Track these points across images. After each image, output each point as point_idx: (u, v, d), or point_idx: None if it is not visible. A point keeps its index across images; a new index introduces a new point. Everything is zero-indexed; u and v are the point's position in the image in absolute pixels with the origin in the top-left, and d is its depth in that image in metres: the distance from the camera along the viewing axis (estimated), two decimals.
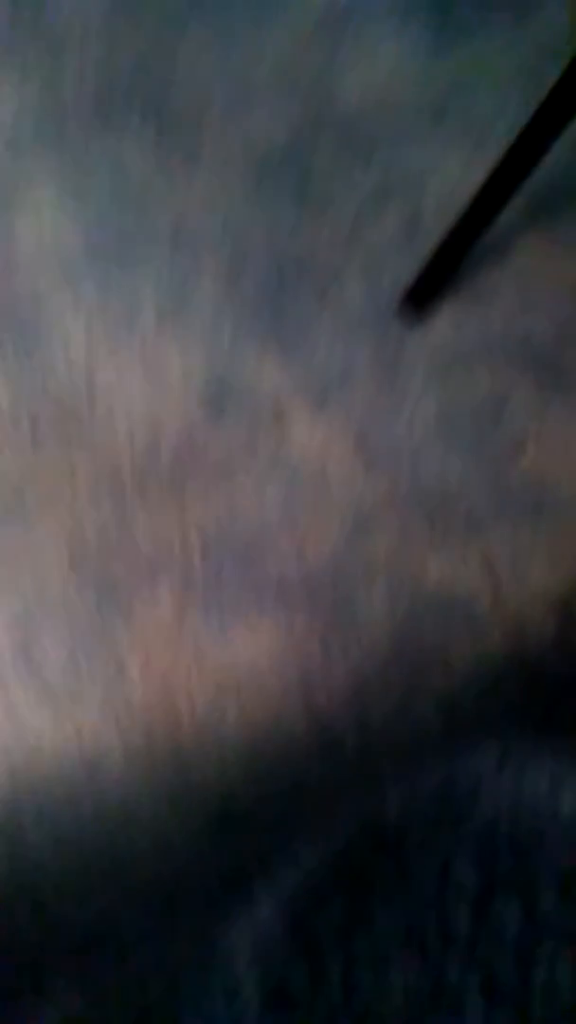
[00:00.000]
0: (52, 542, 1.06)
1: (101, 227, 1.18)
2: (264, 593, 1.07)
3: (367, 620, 1.06)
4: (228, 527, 1.09)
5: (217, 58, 1.29)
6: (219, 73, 1.28)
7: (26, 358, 1.13)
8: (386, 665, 1.05)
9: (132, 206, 1.19)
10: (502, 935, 0.41)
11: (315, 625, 1.06)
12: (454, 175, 1.26)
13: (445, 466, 1.12)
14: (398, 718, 1.04)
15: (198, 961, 0.49)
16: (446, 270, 1.17)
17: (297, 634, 1.06)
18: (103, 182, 1.19)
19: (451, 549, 1.09)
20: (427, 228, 1.23)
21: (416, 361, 1.16)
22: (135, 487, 1.10)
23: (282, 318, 1.17)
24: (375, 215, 1.23)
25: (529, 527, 1.09)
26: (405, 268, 1.20)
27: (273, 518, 1.10)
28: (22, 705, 1.02)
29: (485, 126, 1.28)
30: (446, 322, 1.17)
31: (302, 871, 0.54)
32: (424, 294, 1.18)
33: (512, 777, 0.53)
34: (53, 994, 0.59)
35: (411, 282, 1.18)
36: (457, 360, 1.16)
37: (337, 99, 1.29)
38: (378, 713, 1.04)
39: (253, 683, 1.05)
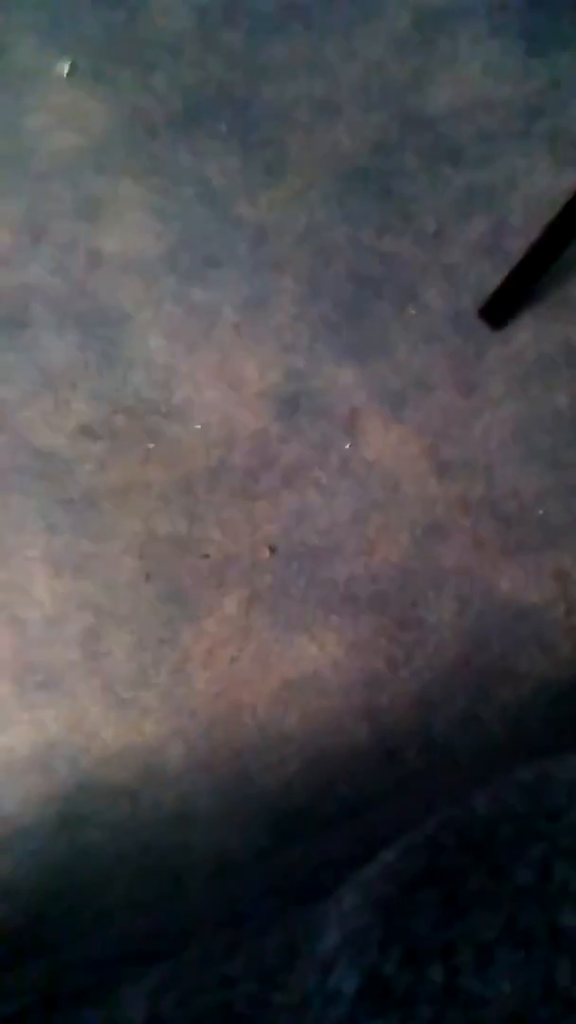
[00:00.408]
0: (125, 553, 1.21)
1: (184, 241, 1.33)
2: (331, 596, 1.25)
3: (434, 627, 1.23)
4: (297, 531, 1.28)
5: (307, 64, 1.52)
6: (308, 81, 1.50)
7: (108, 370, 1.28)
8: (452, 673, 1.21)
9: (215, 219, 1.34)
10: None
11: (381, 630, 1.23)
12: (543, 181, 1.44)
13: (521, 476, 1.28)
14: (462, 727, 1.19)
15: (285, 945, 0.55)
16: (530, 279, 1.33)
17: (362, 638, 1.24)
18: (187, 197, 1.35)
19: (524, 559, 1.25)
20: (513, 233, 1.40)
21: (495, 369, 1.33)
22: (207, 495, 1.29)
23: (360, 324, 1.37)
24: (460, 220, 1.41)
25: None
26: (488, 274, 1.38)
27: (342, 523, 1.28)
28: (91, 712, 1.15)
29: None
30: (528, 331, 1.34)
31: (383, 864, 0.60)
32: (506, 302, 1.35)
33: None
34: (121, 1004, 0.71)
35: (494, 290, 1.35)
36: (537, 370, 1.32)
37: (427, 102, 1.49)
38: (442, 721, 1.19)
39: (316, 687, 1.23)
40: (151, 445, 1.25)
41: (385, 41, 1.46)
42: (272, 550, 1.20)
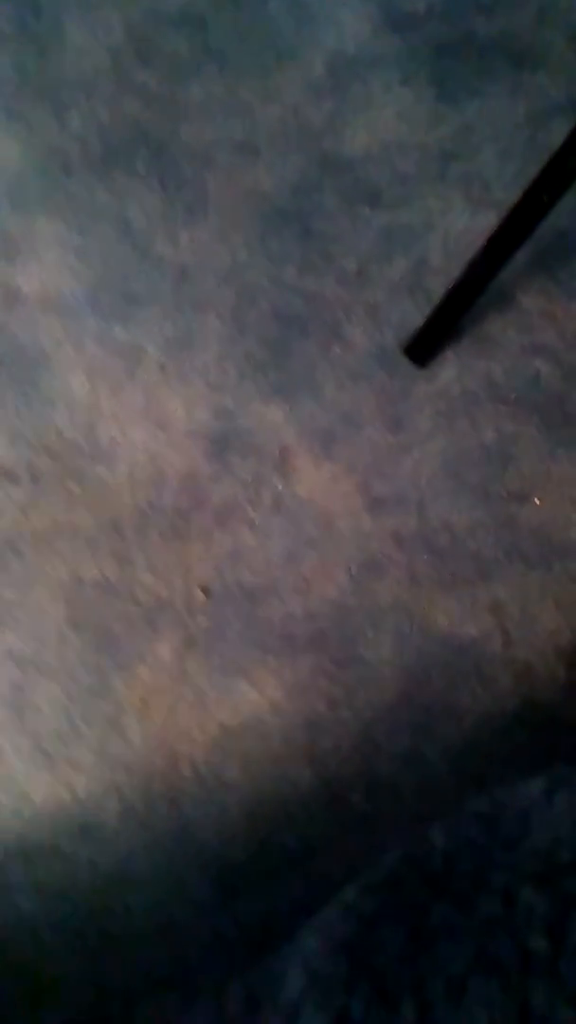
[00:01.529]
0: (50, 600, 1.19)
1: (104, 280, 1.34)
2: (268, 638, 1.25)
3: (374, 664, 1.23)
4: (231, 572, 1.28)
5: (224, 105, 1.55)
6: (226, 122, 1.53)
7: (27, 411, 1.26)
8: (394, 710, 1.22)
9: (135, 258, 1.35)
10: None
11: (320, 670, 1.23)
12: (459, 222, 1.50)
13: (452, 510, 1.31)
14: (406, 766, 1.20)
15: (244, 997, 0.55)
16: (451, 317, 1.38)
17: (301, 679, 1.23)
18: (107, 235, 1.36)
19: (460, 593, 1.28)
20: (433, 272, 1.45)
21: (422, 406, 1.37)
22: (136, 537, 1.28)
23: (287, 363, 1.39)
24: (381, 260, 1.45)
25: (538, 572, 1.28)
26: (411, 313, 1.42)
27: (277, 563, 1.28)
28: (17, 768, 1.12)
29: (488, 175, 1.53)
30: (452, 367, 1.39)
31: (342, 904, 0.60)
32: (429, 340, 1.39)
33: (566, 804, 0.59)
34: None
35: (417, 328, 1.39)
36: (463, 405, 1.37)
37: (344, 145, 1.54)
38: (385, 760, 1.19)
39: (256, 732, 1.21)
40: (76, 488, 1.23)
41: (301, 85, 1.51)
42: (206, 592, 1.19)
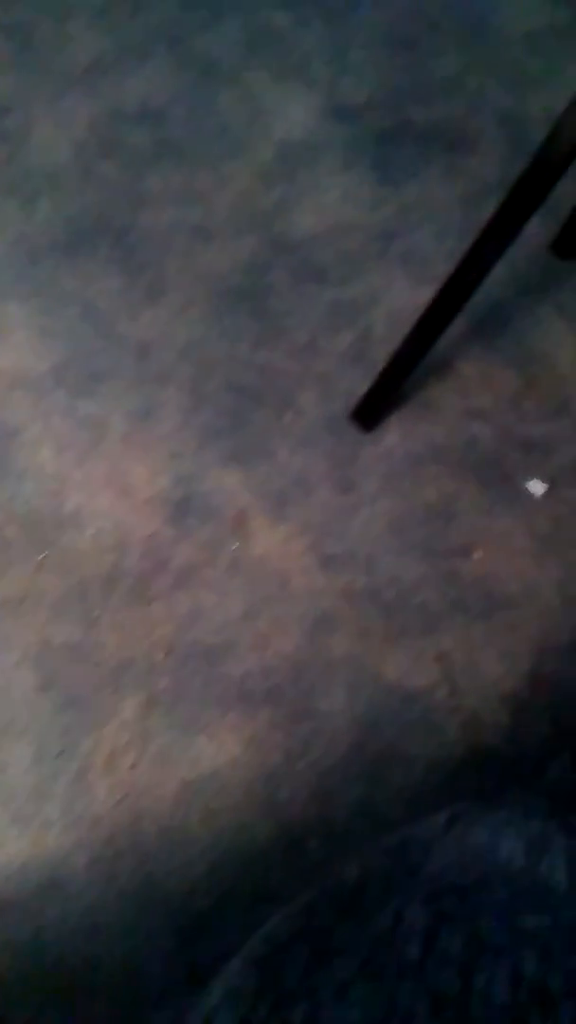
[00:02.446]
0: (20, 665, 1.26)
1: (70, 358, 1.44)
2: (227, 694, 1.32)
3: (328, 716, 1.30)
4: (191, 631, 1.35)
5: (181, 193, 1.68)
6: (183, 208, 1.66)
7: None
8: (347, 760, 1.29)
9: (99, 338, 1.46)
10: (447, 957, 0.53)
11: (277, 723, 1.30)
12: (401, 296, 1.62)
13: (399, 566, 1.40)
14: (360, 814, 1.26)
15: (174, 1010, 0.70)
16: (394, 384, 1.49)
17: (259, 733, 1.30)
18: (72, 318, 1.47)
19: (407, 645, 1.36)
20: (377, 343, 1.57)
21: (369, 468, 1.47)
22: (101, 601, 1.36)
23: (242, 431, 1.49)
24: (328, 334, 1.57)
25: (481, 622, 1.36)
26: (357, 381, 1.53)
27: (235, 619, 1.36)
28: None
29: (427, 252, 1.66)
30: (396, 431, 1.49)
31: (264, 932, 0.67)
32: (375, 406, 1.50)
33: (458, 834, 0.67)
34: None
35: (362, 395, 1.49)
36: (407, 466, 1.47)
37: (292, 227, 1.67)
38: (341, 809, 1.26)
39: (216, 786, 1.27)
40: (43, 554, 1.31)
41: (252, 173, 1.64)
42: (168, 652, 1.27)
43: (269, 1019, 0.53)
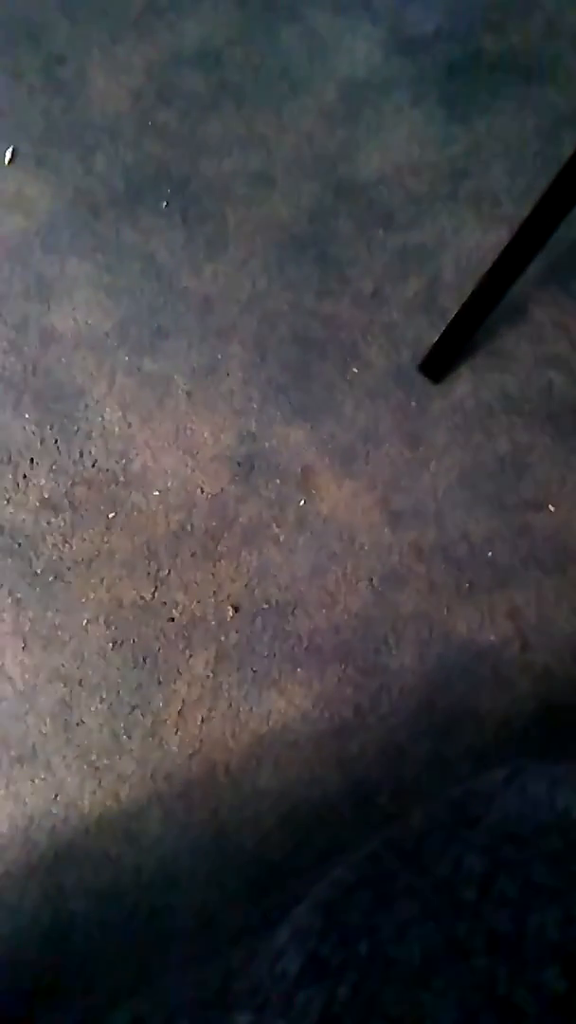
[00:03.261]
0: (92, 623, 1.30)
1: (133, 315, 1.45)
2: (295, 650, 1.34)
3: (397, 672, 1.32)
4: (259, 588, 1.37)
5: (241, 139, 1.66)
6: (243, 155, 1.64)
7: (65, 444, 1.38)
8: (417, 716, 1.30)
9: (161, 293, 1.47)
10: (503, 899, 0.57)
11: (346, 679, 1.32)
12: (471, 239, 1.58)
13: (470, 520, 1.39)
14: (429, 769, 1.28)
15: (246, 949, 0.75)
16: (465, 333, 1.46)
17: (328, 688, 1.32)
18: (134, 273, 1.48)
19: (478, 601, 1.35)
20: (446, 290, 1.54)
21: (438, 420, 1.45)
22: (170, 559, 1.39)
23: (307, 385, 1.49)
24: (396, 280, 1.54)
25: (554, 577, 1.35)
26: (425, 330, 1.51)
27: (303, 578, 1.38)
28: (66, 780, 1.23)
29: (499, 191, 1.61)
30: (466, 381, 1.47)
31: (330, 878, 0.79)
32: (444, 356, 1.47)
33: (518, 788, 0.77)
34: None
35: (431, 345, 1.47)
36: (478, 418, 1.44)
37: (357, 170, 1.64)
38: (410, 764, 1.28)
39: (286, 740, 1.31)
40: (112, 514, 1.34)
41: (314, 114, 1.60)
42: (236, 608, 1.29)
43: (334, 954, 0.56)
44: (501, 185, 1.56)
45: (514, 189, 1.55)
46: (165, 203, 1.55)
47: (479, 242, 1.51)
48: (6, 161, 1.56)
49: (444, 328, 1.43)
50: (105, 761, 1.25)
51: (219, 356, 1.45)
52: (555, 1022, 0.54)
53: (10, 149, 1.57)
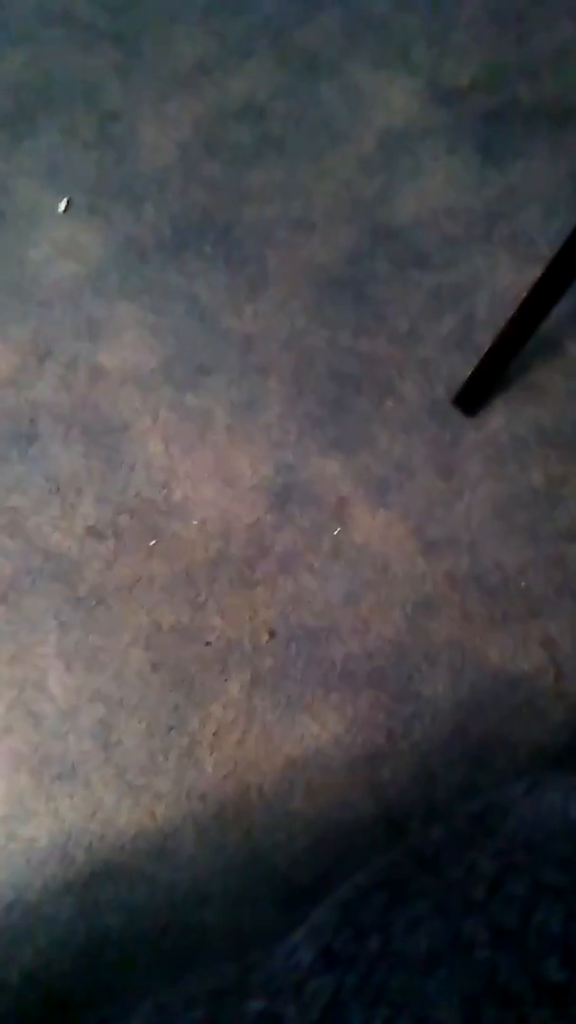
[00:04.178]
0: (132, 645, 1.36)
1: (177, 353, 1.54)
2: (329, 675, 1.38)
3: (430, 699, 1.35)
4: (294, 614, 1.42)
5: (283, 187, 1.76)
6: (284, 202, 1.74)
7: (111, 475, 1.46)
8: (450, 743, 1.33)
9: (204, 332, 1.55)
10: (511, 898, 0.60)
11: (379, 705, 1.36)
12: (506, 278, 1.64)
13: (503, 550, 1.43)
14: (462, 796, 1.30)
15: (265, 949, 0.79)
16: (499, 367, 1.51)
17: (361, 714, 1.36)
18: (178, 314, 1.57)
19: (512, 630, 1.38)
20: (480, 327, 1.60)
21: (472, 453, 1.50)
22: (207, 585, 1.45)
23: (343, 419, 1.55)
24: (431, 319, 1.61)
25: None
26: (459, 366, 1.56)
27: (337, 604, 1.42)
28: (104, 797, 1.28)
29: (533, 232, 1.67)
30: (500, 415, 1.52)
31: (351, 883, 0.84)
32: (478, 390, 1.53)
33: (536, 797, 0.81)
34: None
35: (466, 379, 1.53)
36: (512, 450, 1.49)
37: (394, 214, 1.72)
38: (442, 791, 1.30)
39: (320, 763, 1.34)
40: (153, 542, 1.41)
41: (353, 162, 1.69)
42: (271, 634, 1.34)
43: (346, 947, 0.60)
44: (535, 227, 1.62)
45: (548, 230, 1.61)
46: (209, 248, 1.65)
47: (513, 281, 1.57)
48: (61, 210, 1.68)
49: (477, 362, 1.48)
50: (142, 780, 1.30)
51: (258, 392, 1.53)
52: (552, 1009, 0.57)
53: (65, 200, 1.69)
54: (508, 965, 0.58)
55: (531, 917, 0.60)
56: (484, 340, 1.52)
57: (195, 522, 1.44)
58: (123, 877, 1.26)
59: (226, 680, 1.35)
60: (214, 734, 1.32)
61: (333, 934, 0.63)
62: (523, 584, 1.36)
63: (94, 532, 1.45)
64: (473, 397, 1.49)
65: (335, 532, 1.42)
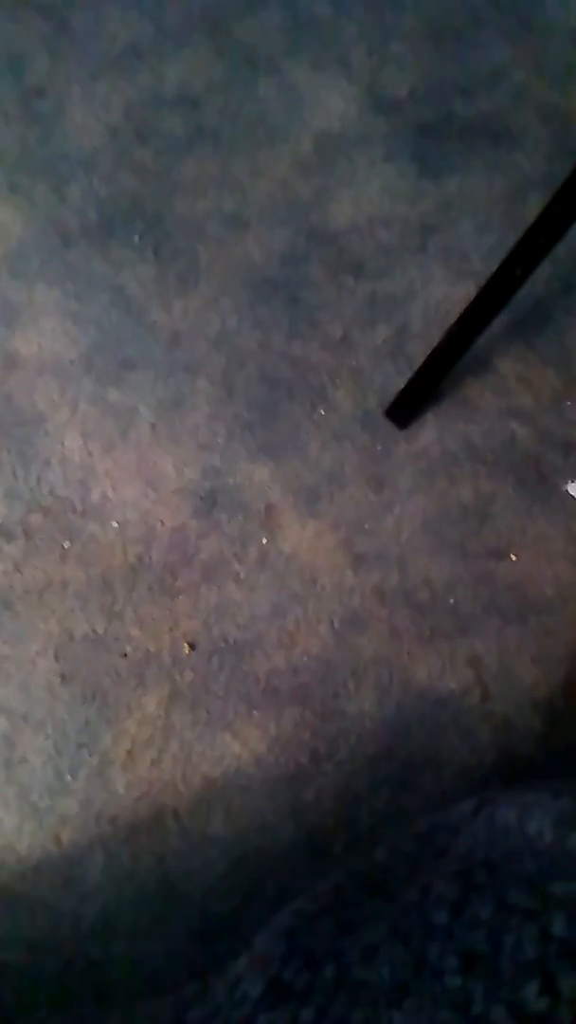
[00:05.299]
0: (40, 655, 1.29)
1: (99, 345, 1.48)
2: (252, 691, 1.34)
3: (356, 718, 1.32)
4: (217, 626, 1.38)
5: (217, 181, 1.72)
6: (218, 196, 1.70)
7: (23, 470, 1.39)
8: (375, 763, 1.30)
9: (129, 325, 1.50)
10: (476, 921, 0.58)
11: (303, 723, 1.32)
12: (439, 291, 1.65)
13: (432, 566, 1.42)
14: (386, 819, 1.28)
15: (200, 982, 0.74)
16: (432, 381, 1.52)
17: (285, 733, 1.32)
18: (102, 304, 1.51)
19: (439, 648, 1.38)
20: (413, 339, 1.60)
21: (403, 465, 1.49)
22: (125, 592, 1.39)
23: (274, 424, 1.52)
24: (363, 328, 1.60)
25: (515, 627, 1.38)
26: (392, 377, 1.56)
27: (262, 617, 1.39)
28: (4, 819, 1.20)
29: (467, 247, 1.69)
30: (432, 429, 1.52)
31: (291, 909, 0.80)
32: (410, 403, 1.52)
33: (487, 816, 0.79)
34: None
35: (398, 392, 1.53)
36: (443, 465, 1.49)
37: (330, 219, 1.71)
38: (366, 814, 1.28)
39: (239, 785, 1.30)
40: (67, 544, 1.34)
41: (289, 162, 1.67)
42: (192, 646, 1.29)
43: (297, 978, 0.56)
44: (469, 242, 1.64)
45: (481, 246, 1.63)
46: (138, 237, 1.59)
47: (447, 294, 1.58)
48: None
49: (411, 375, 1.48)
50: (47, 801, 1.22)
51: (185, 390, 1.48)
52: None
53: None
54: (483, 992, 0.56)
55: (502, 940, 0.58)
56: (417, 352, 1.52)
57: (114, 524, 1.38)
58: (23, 907, 1.18)
59: (142, 695, 1.29)
60: (128, 752, 1.26)
61: (281, 964, 0.59)
62: (451, 601, 1.36)
63: (2, 531, 1.36)
64: (405, 410, 1.49)
65: (263, 541, 1.38)
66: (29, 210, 1.59)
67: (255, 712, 1.29)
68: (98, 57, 1.76)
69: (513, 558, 1.38)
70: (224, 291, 1.57)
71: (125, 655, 1.31)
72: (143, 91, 1.74)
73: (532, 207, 1.67)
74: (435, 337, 1.48)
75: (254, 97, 1.76)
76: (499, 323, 1.46)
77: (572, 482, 1.44)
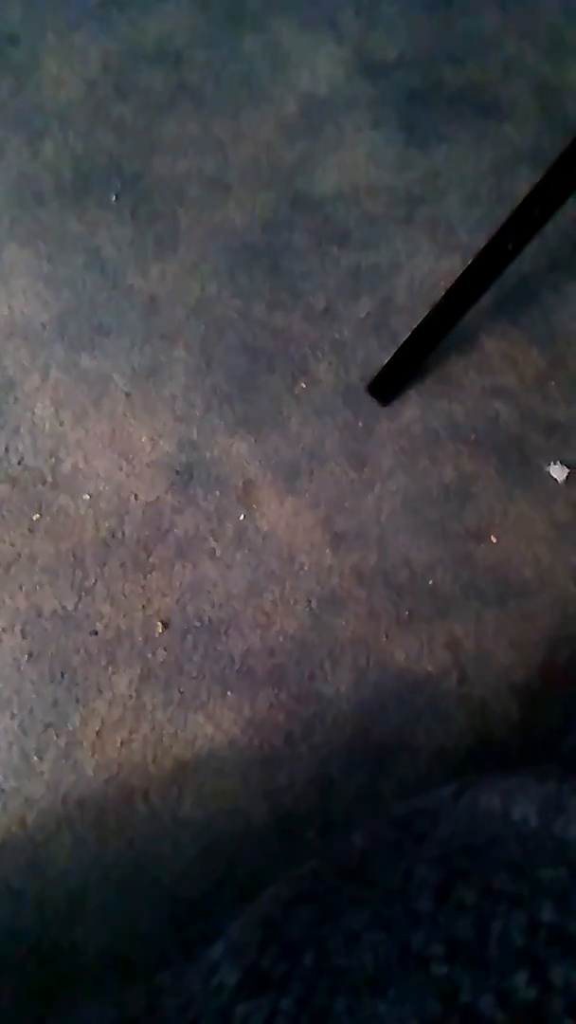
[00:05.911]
0: (6, 632, 1.26)
1: (73, 308, 1.44)
2: (227, 672, 1.32)
3: (332, 700, 1.31)
4: (192, 604, 1.35)
5: (198, 141, 1.67)
6: (199, 157, 1.65)
7: None
8: (350, 746, 1.29)
9: (105, 289, 1.46)
10: (462, 907, 0.57)
11: (278, 705, 1.30)
12: (425, 264, 1.62)
13: (412, 547, 1.41)
14: (360, 803, 1.27)
15: (173, 970, 0.72)
16: (415, 358, 1.49)
17: (259, 714, 1.30)
18: (76, 265, 1.47)
19: (417, 630, 1.36)
20: (398, 312, 1.57)
21: (385, 443, 1.47)
22: (97, 568, 1.35)
23: (253, 397, 1.48)
24: (348, 299, 1.57)
25: (494, 609, 1.37)
26: (375, 351, 1.53)
27: (238, 595, 1.36)
28: None
29: (454, 219, 1.66)
30: (414, 406, 1.50)
31: (267, 895, 0.78)
32: (393, 379, 1.50)
33: (468, 802, 0.78)
34: None
35: (381, 367, 1.50)
36: (425, 443, 1.47)
37: (314, 185, 1.67)
38: (340, 798, 1.27)
39: (212, 767, 1.28)
40: (36, 516, 1.30)
41: (273, 124, 1.62)
42: (165, 625, 1.26)
43: (276, 966, 0.55)
44: (456, 214, 1.61)
45: (469, 219, 1.60)
46: (115, 197, 1.54)
47: (432, 268, 1.55)
48: None
49: (394, 351, 1.45)
50: (12, 783, 1.19)
51: (162, 359, 1.44)
52: None
53: None
54: (470, 981, 0.55)
55: (489, 927, 0.57)
56: (401, 327, 1.49)
57: (86, 497, 1.34)
58: None
59: (113, 674, 1.26)
60: (97, 733, 1.23)
61: (258, 952, 0.58)
62: (430, 582, 1.34)
63: None
64: (388, 386, 1.46)
65: (240, 517, 1.35)
66: (0, 165, 1.53)
67: (229, 693, 1.27)
68: (76, 5, 1.69)
69: (493, 540, 1.37)
70: (204, 257, 1.53)
71: (95, 633, 1.28)
72: (123, 43, 1.68)
73: (520, 181, 1.64)
74: (420, 311, 1.45)
75: (239, 55, 1.71)
76: (484, 300, 1.44)
77: (554, 463, 1.43)
